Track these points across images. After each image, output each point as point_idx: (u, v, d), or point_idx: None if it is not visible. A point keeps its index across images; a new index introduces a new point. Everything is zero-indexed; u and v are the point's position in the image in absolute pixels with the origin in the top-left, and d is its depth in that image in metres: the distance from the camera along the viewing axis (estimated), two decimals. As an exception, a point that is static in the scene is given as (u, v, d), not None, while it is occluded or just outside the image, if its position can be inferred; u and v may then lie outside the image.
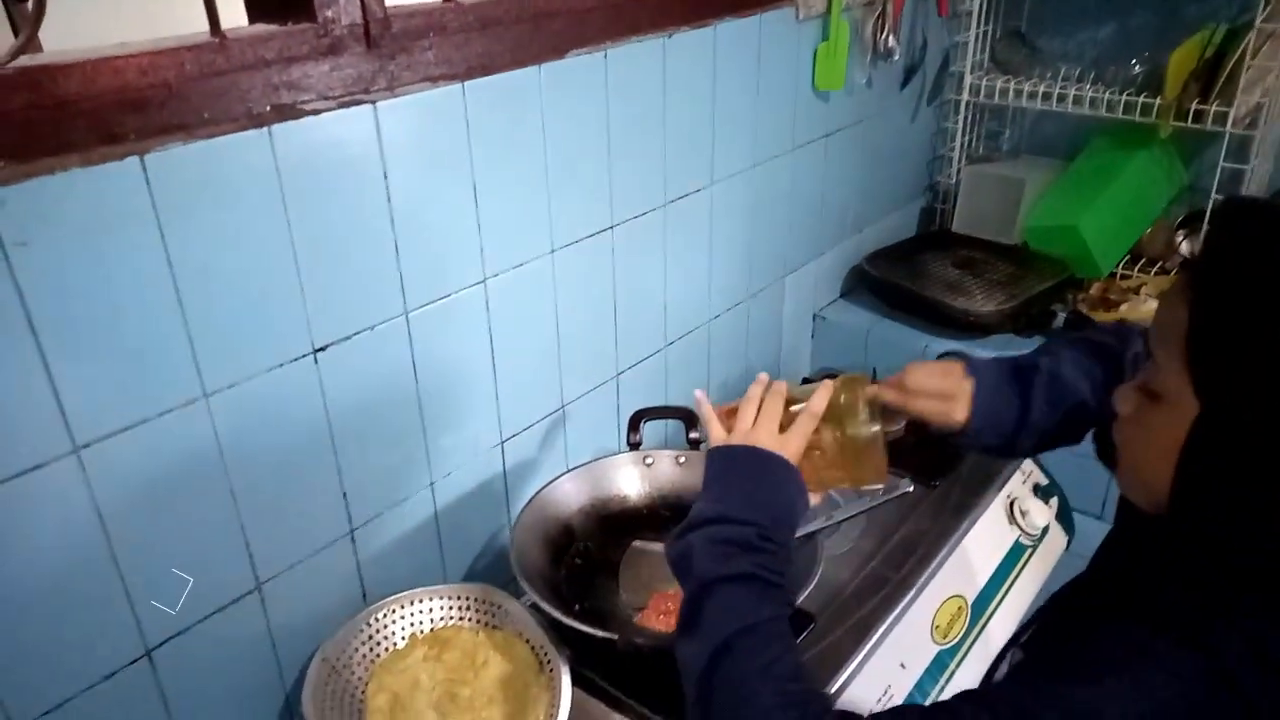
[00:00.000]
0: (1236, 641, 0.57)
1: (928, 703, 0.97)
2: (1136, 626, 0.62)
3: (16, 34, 0.73)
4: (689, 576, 0.75)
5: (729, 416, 0.87)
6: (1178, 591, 0.62)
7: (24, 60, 0.71)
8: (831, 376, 0.90)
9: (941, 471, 1.38)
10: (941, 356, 0.97)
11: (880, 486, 1.01)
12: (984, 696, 0.65)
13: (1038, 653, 0.76)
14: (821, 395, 0.85)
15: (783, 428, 0.83)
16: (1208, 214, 1.68)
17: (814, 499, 0.86)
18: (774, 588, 0.74)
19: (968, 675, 1.16)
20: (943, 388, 0.92)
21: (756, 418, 0.84)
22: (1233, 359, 0.58)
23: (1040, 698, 0.61)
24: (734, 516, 0.76)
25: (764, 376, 0.88)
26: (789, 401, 0.86)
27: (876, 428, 0.86)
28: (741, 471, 0.81)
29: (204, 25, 0.83)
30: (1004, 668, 0.92)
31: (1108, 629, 0.64)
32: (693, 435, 1.25)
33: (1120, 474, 0.70)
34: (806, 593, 0.99)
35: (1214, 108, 1.57)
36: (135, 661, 0.87)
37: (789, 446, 0.81)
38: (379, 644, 1.05)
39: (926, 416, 0.94)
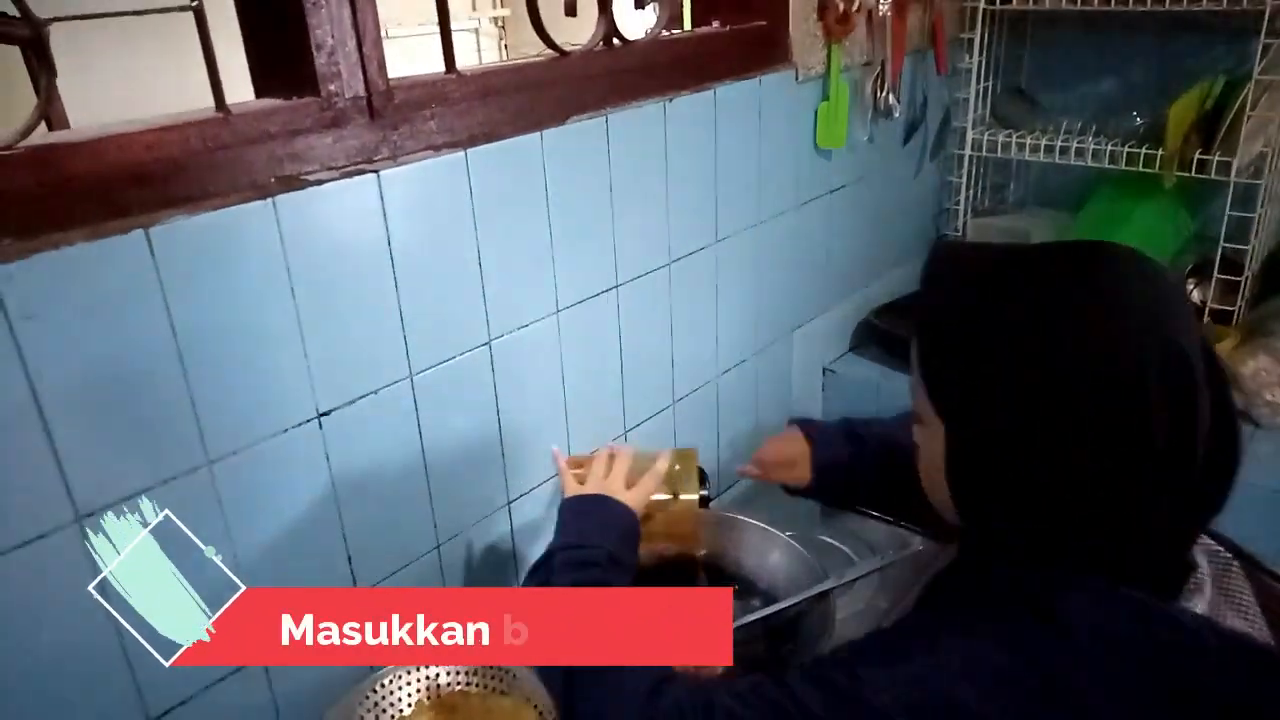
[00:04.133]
0: (1022, 609, 0.63)
1: None
2: (950, 608, 0.69)
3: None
4: None
5: (580, 466, 1.00)
6: (976, 576, 0.70)
7: (34, 138, 0.73)
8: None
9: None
10: (791, 423, 1.14)
11: (700, 550, 1.18)
12: (811, 670, 0.69)
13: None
14: (664, 460, 0.99)
15: (629, 485, 0.96)
16: (1217, 262, 1.67)
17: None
18: None
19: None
20: (789, 455, 1.10)
21: (608, 473, 0.96)
22: (948, 381, 0.65)
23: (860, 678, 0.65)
24: (585, 543, 0.87)
25: (613, 445, 1.03)
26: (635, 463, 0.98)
27: (696, 496, 1.02)
28: (592, 513, 0.92)
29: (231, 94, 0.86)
30: None
31: (920, 614, 0.73)
32: (701, 493, 1.24)
33: (928, 497, 0.75)
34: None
35: (1216, 158, 1.58)
36: (136, 732, 0.86)
37: (634, 498, 0.95)
38: (384, 711, 1.04)
39: (781, 480, 1.13)
